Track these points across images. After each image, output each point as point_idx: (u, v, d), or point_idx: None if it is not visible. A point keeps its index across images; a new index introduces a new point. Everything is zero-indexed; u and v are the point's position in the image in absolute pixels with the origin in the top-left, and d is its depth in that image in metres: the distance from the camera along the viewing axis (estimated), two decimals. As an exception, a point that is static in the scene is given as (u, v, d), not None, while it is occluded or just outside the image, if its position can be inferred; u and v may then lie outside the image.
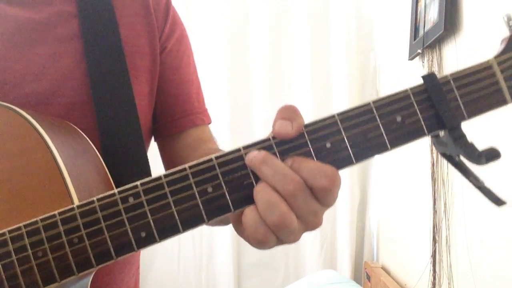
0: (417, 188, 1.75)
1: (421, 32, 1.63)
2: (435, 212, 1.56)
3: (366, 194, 2.41)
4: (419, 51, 1.63)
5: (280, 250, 2.36)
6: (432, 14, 1.54)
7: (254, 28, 2.34)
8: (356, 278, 2.35)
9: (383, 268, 2.15)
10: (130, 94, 0.70)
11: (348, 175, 2.28)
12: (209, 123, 0.85)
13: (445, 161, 1.50)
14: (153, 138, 0.83)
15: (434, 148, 1.57)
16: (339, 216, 2.34)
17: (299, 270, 2.37)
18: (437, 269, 1.56)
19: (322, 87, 2.33)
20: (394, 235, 2.13)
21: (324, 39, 2.33)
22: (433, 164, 1.58)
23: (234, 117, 2.31)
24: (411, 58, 1.76)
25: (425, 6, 1.62)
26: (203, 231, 2.33)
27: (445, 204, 1.51)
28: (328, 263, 2.34)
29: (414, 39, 1.73)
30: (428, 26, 1.57)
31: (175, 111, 0.80)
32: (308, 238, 2.34)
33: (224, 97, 2.29)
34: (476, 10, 1.32)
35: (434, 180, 1.57)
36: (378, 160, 2.32)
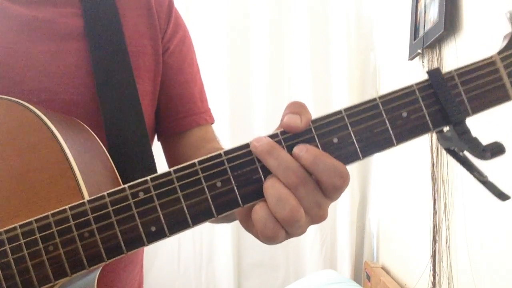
0: (417, 188, 1.76)
1: (421, 32, 1.63)
2: (435, 212, 1.56)
3: (366, 194, 2.41)
4: (419, 51, 1.63)
5: (280, 250, 2.36)
6: (432, 14, 1.54)
7: (254, 28, 2.34)
8: (356, 278, 2.35)
9: (383, 268, 2.15)
10: (134, 93, 0.70)
11: (348, 175, 2.27)
12: (212, 123, 0.85)
13: (445, 161, 1.51)
14: (156, 138, 0.84)
15: (434, 148, 1.58)
16: (339, 216, 2.34)
17: (299, 270, 2.37)
18: (437, 269, 1.56)
19: (322, 87, 2.33)
20: (394, 235, 2.13)
21: (324, 39, 2.34)
22: (433, 164, 1.58)
23: (234, 118, 2.31)
24: (411, 58, 1.76)
25: (425, 6, 1.63)
26: (203, 231, 2.33)
27: (445, 204, 1.51)
28: (328, 263, 2.34)
29: (414, 39, 1.74)
30: (428, 26, 1.57)
31: (179, 110, 0.80)
32: (308, 238, 2.34)
33: (224, 97, 2.29)
34: (476, 9, 1.32)
35: (434, 180, 1.57)
36: (378, 161, 2.32)
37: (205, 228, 2.32)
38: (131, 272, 0.77)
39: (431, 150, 1.59)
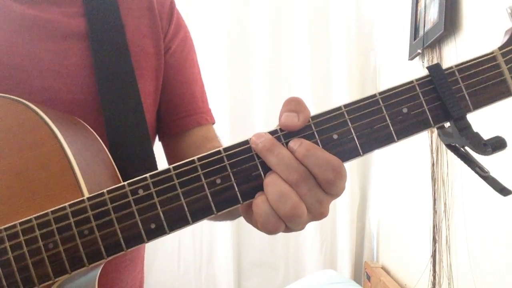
0: (417, 188, 1.76)
1: (421, 32, 1.63)
2: (435, 212, 1.56)
3: (366, 194, 2.41)
4: (419, 51, 1.63)
5: (280, 250, 2.36)
6: (432, 14, 1.55)
7: (254, 28, 2.34)
8: (356, 278, 2.35)
9: (383, 268, 2.15)
10: (136, 92, 0.70)
11: (348, 175, 2.25)
12: (213, 123, 0.85)
13: (445, 161, 1.51)
14: (157, 137, 0.84)
15: (434, 148, 1.58)
16: (339, 216, 2.34)
17: (299, 270, 2.37)
18: (437, 269, 1.56)
19: (322, 87, 2.33)
20: (394, 235, 2.13)
21: (324, 39, 2.34)
22: (433, 164, 1.58)
23: (234, 118, 2.31)
24: (411, 58, 1.76)
25: (425, 6, 1.63)
26: (203, 231, 2.33)
27: (445, 204, 1.51)
28: (328, 263, 2.34)
29: (414, 39, 1.74)
30: (428, 26, 1.57)
31: (180, 110, 0.80)
32: (308, 238, 2.34)
33: (224, 97, 2.29)
34: (476, 10, 1.32)
35: (434, 180, 1.57)
36: (378, 160, 2.32)
37: (205, 228, 2.32)
38: (133, 271, 0.77)
39: (431, 150, 1.59)
